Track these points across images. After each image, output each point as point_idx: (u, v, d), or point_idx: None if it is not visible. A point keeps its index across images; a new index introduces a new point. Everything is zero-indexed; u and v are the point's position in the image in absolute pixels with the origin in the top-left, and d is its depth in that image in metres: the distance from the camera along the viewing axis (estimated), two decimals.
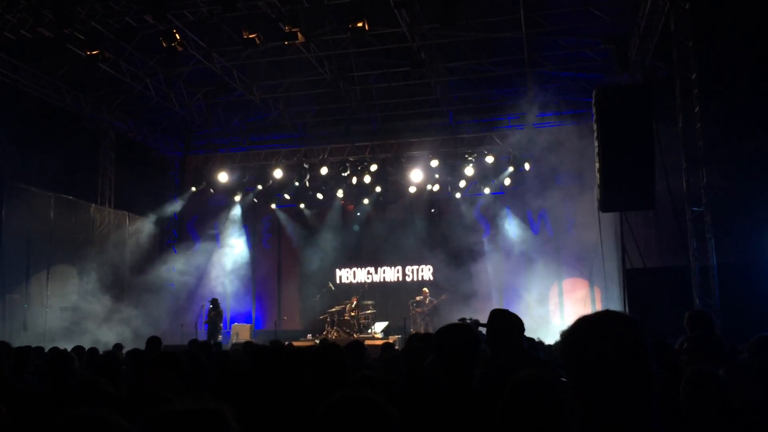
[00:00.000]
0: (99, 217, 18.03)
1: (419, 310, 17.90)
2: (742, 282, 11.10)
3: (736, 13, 11.96)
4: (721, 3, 12.08)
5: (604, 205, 11.55)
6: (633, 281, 12.61)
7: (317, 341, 15.96)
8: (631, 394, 1.52)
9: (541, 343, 7.41)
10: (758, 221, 12.20)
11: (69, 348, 8.31)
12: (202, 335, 16.61)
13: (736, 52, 12.36)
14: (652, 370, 1.55)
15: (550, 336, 9.45)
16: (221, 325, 17.54)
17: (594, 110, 11.46)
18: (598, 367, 1.53)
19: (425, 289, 18.36)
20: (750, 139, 12.30)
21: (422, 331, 15.93)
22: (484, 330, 3.82)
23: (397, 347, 9.57)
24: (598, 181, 11.50)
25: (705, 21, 11.49)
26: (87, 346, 9.58)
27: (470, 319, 6.42)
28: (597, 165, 11.47)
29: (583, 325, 1.63)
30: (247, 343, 8.60)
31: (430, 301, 17.94)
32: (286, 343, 9.69)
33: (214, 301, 17.46)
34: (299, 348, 6.94)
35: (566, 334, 1.63)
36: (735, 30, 12.18)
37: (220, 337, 16.87)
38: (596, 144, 11.42)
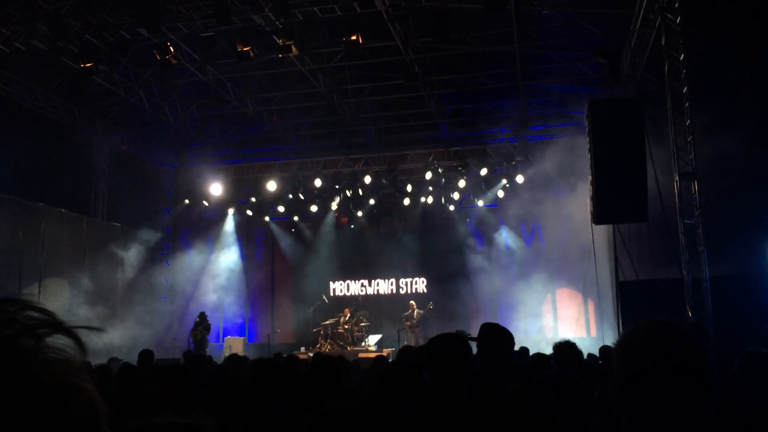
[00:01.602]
0: (91, 229, 17.96)
1: (408, 323, 17.88)
2: (734, 294, 11.13)
3: (726, 27, 12.08)
4: (712, 17, 12.20)
5: (597, 218, 11.58)
6: (626, 293, 12.64)
7: (311, 354, 15.91)
8: (682, 415, 1.46)
9: (526, 351, 7.41)
10: (750, 234, 12.26)
11: None
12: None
13: (727, 66, 12.48)
14: (712, 399, 1.49)
15: (544, 348, 9.44)
16: (207, 338, 17.32)
17: (587, 123, 11.52)
18: (656, 382, 1.47)
19: (412, 302, 18.34)
20: (741, 152, 12.38)
21: (412, 343, 15.92)
22: (473, 342, 3.82)
23: (391, 360, 9.54)
24: (591, 193, 11.55)
25: (695, 35, 11.60)
26: None
27: (462, 331, 6.41)
28: (590, 177, 11.52)
29: (646, 333, 1.54)
30: (232, 356, 8.53)
31: (418, 313, 17.93)
32: (285, 355, 9.62)
33: (202, 315, 17.32)
34: (294, 360, 6.90)
35: (631, 340, 1.55)
36: (725, 44, 12.29)
37: (206, 351, 16.76)
38: (589, 157, 11.47)
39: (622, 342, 1.57)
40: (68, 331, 0.66)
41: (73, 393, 0.63)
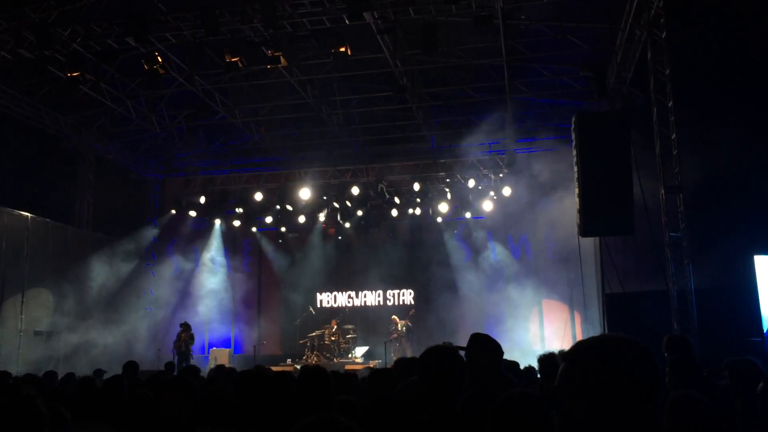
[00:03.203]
0: (76, 239, 17.81)
1: (394, 336, 17.86)
2: (719, 306, 11.21)
3: (711, 42, 12.23)
4: (697, 32, 12.35)
5: (584, 230, 11.62)
6: (612, 306, 12.70)
7: (297, 366, 15.82)
8: (628, 422, 1.49)
9: (516, 365, 7.40)
10: (735, 246, 12.35)
11: (40, 373, 8.16)
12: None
13: (712, 81, 12.62)
14: (656, 403, 1.51)
15: (530, 360, 9.44)
16: (192, 349, 17.07)
17: (573, 136, 11.59)
18: (599, 391, 1.49)
19: (394, 317, 18.32)
20: (726, 166, 12.51)
21: (399, 354, 15.91)
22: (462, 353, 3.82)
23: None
24: (577, 206, 11.60)
25: (681, 50, 11.74)
26: (62, 372, 9.41)
27: (449, 342, 6.39)
28: (576, 190, 11.58)
29: (591, 345, 1.58)
30: (219, 367, 8.47)
31: (402, 324, 17.91)
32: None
33: (185, 325, 17.10)
34: (283, 372, 6.83)
35: (574, 353, 1.59)
36: (711, 59, 12.44)
37: (192, 361, 16.57)
38: (576, 169, 11.53)
39: (568, 353, 1.59)
40: None
41: None
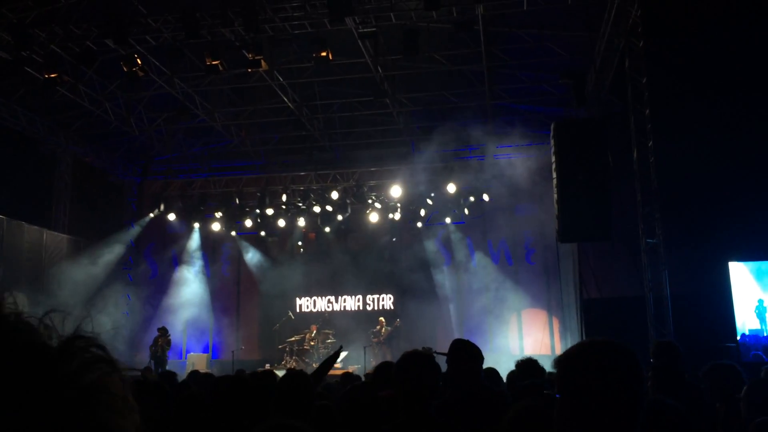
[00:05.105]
0: (52, 243, 17.58)
1: (376, 339, 17.83)
2: (694, 312, 11.36)
3: (688, 51, 12.42)
4: (674, 41, 12.54)
5: (562, 236, 11.73)
6: (590, 311, 12.82)
7: (276, 371, 15.72)
8: (618, 423, 1.55)
9: (495, 372, 7.42)
10: (710, 252, 12.52)
11: None
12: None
13: (689, 89, 12.80)
14: (641, 403, 1.59)
15: (510, 366, 9.48)
16: (168, 354, 16.87)
17: (552, 143, 11.70)
18: (591, 393, 1.56)
19: (381, 319, 18.30)
20: (702, 173, 12.69)
21: (380, 359, 15.87)
22: (441, 357, 3.83)
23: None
24: (556, 212, 11.70)
25: (658, 58, 11.91)
26: None
27: (428, 348, 6.39)
28: (555, 196, 11.68)
29: (583, 350, 1.66)
30: (193, 372, 8.39)
31: (386, 330, 17.89)
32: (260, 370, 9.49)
33: (162, 329, 16.90)
34: (264, 376, 6.81)
35: (567, 357, 1.66)
36: (687, 67, 12.63)
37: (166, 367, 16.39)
38: (554, 176, 11.64)
39: (562, 358, 1.67)
40: (119, 370, 0.76)
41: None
